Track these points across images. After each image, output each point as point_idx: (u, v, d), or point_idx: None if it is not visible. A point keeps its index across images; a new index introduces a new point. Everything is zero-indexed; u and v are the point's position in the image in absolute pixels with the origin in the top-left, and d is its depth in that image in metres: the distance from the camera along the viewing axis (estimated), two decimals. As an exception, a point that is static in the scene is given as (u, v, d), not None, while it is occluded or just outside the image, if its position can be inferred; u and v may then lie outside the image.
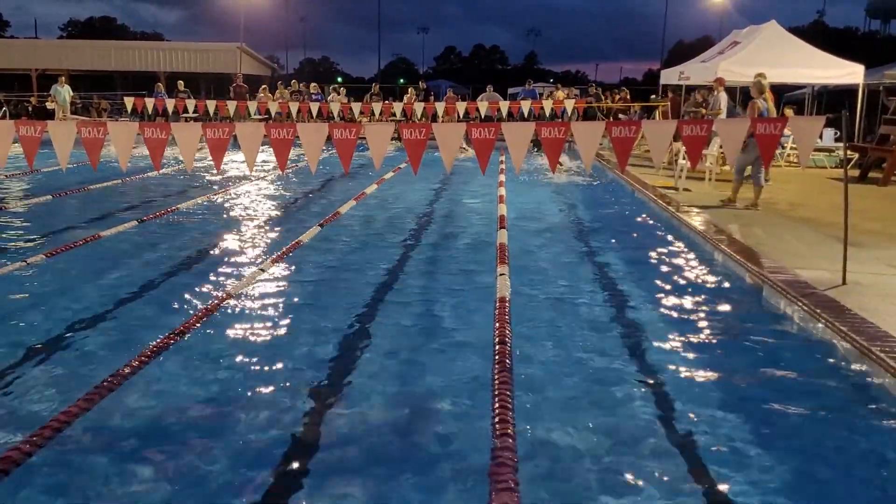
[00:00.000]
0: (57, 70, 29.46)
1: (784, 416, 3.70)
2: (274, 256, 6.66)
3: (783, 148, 14.82)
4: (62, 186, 11.03)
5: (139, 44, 41.82)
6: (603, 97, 23.67)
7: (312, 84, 25.34)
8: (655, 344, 4.70)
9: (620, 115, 21.94)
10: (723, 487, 3.04)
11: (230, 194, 11.23)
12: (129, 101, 20.86)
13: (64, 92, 23.24)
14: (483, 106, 19.88)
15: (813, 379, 4.17)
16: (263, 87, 25.06)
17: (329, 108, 19.82)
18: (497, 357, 3.84)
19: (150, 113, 21.42)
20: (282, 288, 5.94)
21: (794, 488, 3.01)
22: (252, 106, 19.95)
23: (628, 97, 23.15)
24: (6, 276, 5.71)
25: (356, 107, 19.92)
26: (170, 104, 19.93)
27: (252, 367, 4.29)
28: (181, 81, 24.22)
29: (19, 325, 4.94)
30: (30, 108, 26.84)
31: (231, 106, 19.33)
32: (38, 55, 33.95)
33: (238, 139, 5.75)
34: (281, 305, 5.48)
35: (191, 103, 20.10)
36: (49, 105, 23.96)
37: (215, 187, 11.91)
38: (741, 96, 22.03)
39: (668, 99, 19.89)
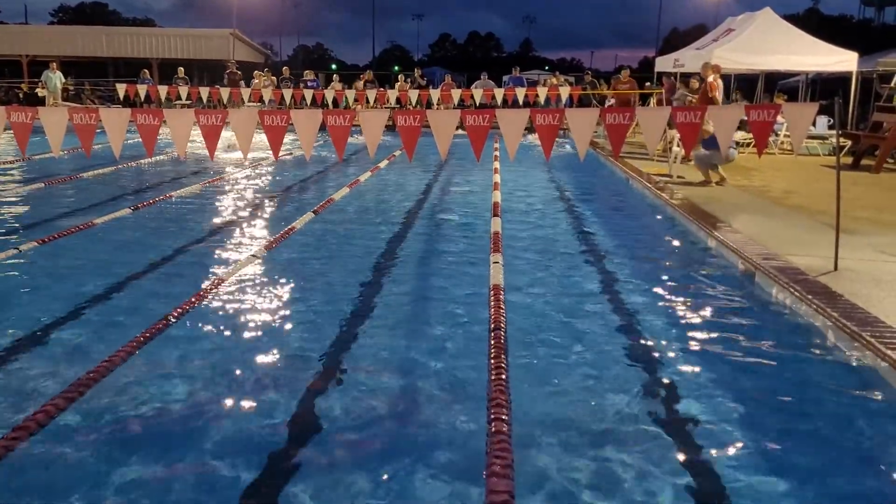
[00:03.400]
0: (47, 56, 29.23)
1: (774, 401, 3.73)
2: (267, 243, 6.67)
3: (776, 135, 14.85)
4: (55, 173, 10.99)
5: (131, 30, 41.43)
6: (599, 85, 23.59)
7: (308, 71, 25.27)
8: (648, 328, 4.73)
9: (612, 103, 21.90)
10: (708, 469, 3.06)
11: (224, 181, 11.20)
12: (120, 88, 20.72)
13: (55, 78, 23.09)
14: (478, 93, 19.82)
15: (804, 364, 4.21)
16: (257, 72, 24.92)
17: (324, 95, 19.71)
18: (492, 343, 3.86)
19: (141, 100, 21.28)
20: (275, 274, 5.94)
21: (783, 471, 3.04)
22: (245, 93, 19.84)
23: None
24: (-1, 263, 5.70)
25: (350, 94, 19.83)
26: (162, 90, 19.80)
27: (246, 354, 4.30)
28: (181, 68, 24.12)
29: (10, 313, 4.93)
30: (20, 95, 26.65)
31: (224, 93, 19.22)
32: (29, 41, 33.66)
33: (232, 126, 5.74)
34: (274, 292, 5.49)
35: (184, 90, 19.98)
36: (40, 92, 23.81)
37: (209, 174, 11.88)
38: (735, 83, 22.04)
39: (662, 87, 19.84)
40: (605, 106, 18.90)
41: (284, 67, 26.14)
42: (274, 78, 24.46)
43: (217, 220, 8.20)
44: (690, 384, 3.93)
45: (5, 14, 72.62)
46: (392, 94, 20.29)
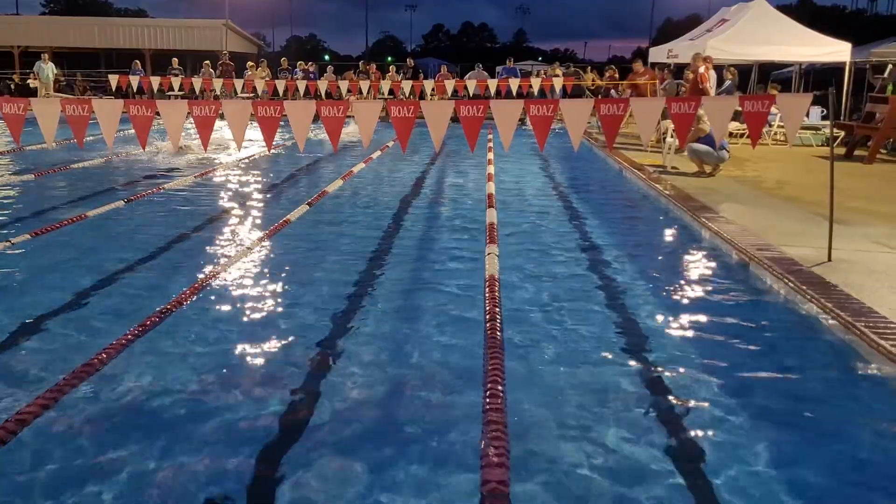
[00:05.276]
0: (39, 47, 29.05)
1: (768, 391, 3.75)
2: (262, 235, 6.65)
3: (770, 126, 14.87)
4: (47, 164, 10.93)
5: (123, 21, 41.25)
6: (584, 75, 23.51)
7: (310, 62, 25.42)
8: (642, 319, 4.74)
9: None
10: (703, 460, 3.07)
11: (217, 173, 11.15)
12: (113, 79, 20.61)
13: (47, 69, 22.95)
14: (471, 84, 19.78)
15: (798, 354, 4.22)
16: (250, 63, 24.83)
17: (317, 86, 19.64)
18: (487, 333, 3.86)
19: (133, 91, 21.18)
20: (269, 267, 5.93)
21: (777, 462, 3.05)
22: (238, 84, 19.75)
23: (616, 75, 23.01)
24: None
25: (344, 84, 19.77)
26: (154, 81, 19.69)
27: (242, 345, 4.30)
28: (175, 59, 24.08)
29: (2, 305, 4.90)
30: (12, 86, 26.49)
31: (217, 84, 19.13)
32: (20, 32, 33.46)
33: (225, 117, 5.71)
34: (268, 285, 5.48)
35: (176, 81, 19.89)
36: (32, 83, 23.67)
37: (202, 165, 11.82)
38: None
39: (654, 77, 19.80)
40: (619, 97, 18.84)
41: (283, 59, 26.08)
42: (269, 69, 24.42)
43: (211, 212, 8.17)
44: (684, 375, 3.93)
45: (-4, 5, 71.95)
46: (385, 85, 20.28)
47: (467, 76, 23.58)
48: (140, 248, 6.38)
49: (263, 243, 6.41)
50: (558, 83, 20.06)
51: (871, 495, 2.93)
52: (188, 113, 5.68)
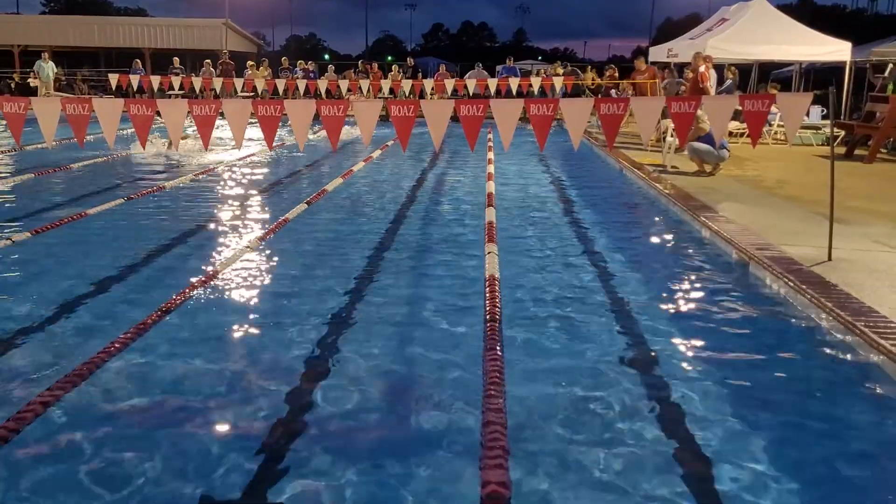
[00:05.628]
0: (39, 46, 29.06)
1: (768, 391, 3.75)
2: (261, 234, 6.65)
3: (770, 125, 14.86)
4: (47, 163, 10.93)
5: (122, 20, 41.26)
6: (583, 74, 23.53)
7: (310, 62, 25.49)
8: (642, 318, 4.74)
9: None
10: (701, 459, 3.07)
11: (217, 171, 11.15)
12: (113, 78, 20.62)
13: (48, 68, 22.96)
14: (471, 83, 19.77)
15: (797, 354, 4.22)
16: (250, 63, 24.84)
17: (317, 85, 19.64)
18: (487, 333, 3.86)
19: (134, 90, 21.18)
20: (268, 266, 5.93)
21: (774, 460, 3.05)
22: (238, 83, 19.75)
23: (616, 75, 23.03)
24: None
25: (344, 84, 19.77)
26: (154, 80, 19.69)
27: (238, 346, 4.31)
28: (176, 58, 24.14)
29: (3, 304, 4.91)
30: (12, 85, 26.49)
31: (217, 83, 19.13)
32: (20, 31, 33.49)
33: (225, 116, 5.72)
34: (266, 284, 5.48)
35: (176, 80, 19.89)
36: (32, 82, 23.67)
37: (203, 164, 11.82)
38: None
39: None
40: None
41: (283, 58, 26.13)
42: (270, 69, 24.46)
43: (210, 211, 8.17)
44: (683, 374, 3.93)
45: (-4, 4, 71.82)
46: (386, 84, 20.29)
47: (467, 75, 23.60)
48: (140, 247, 6.38)
49: (263, 242, 6.40)
50: (558, 82, 20.05)
51: (871, 495, 2.94)
52: (188, 112, 5.68)
